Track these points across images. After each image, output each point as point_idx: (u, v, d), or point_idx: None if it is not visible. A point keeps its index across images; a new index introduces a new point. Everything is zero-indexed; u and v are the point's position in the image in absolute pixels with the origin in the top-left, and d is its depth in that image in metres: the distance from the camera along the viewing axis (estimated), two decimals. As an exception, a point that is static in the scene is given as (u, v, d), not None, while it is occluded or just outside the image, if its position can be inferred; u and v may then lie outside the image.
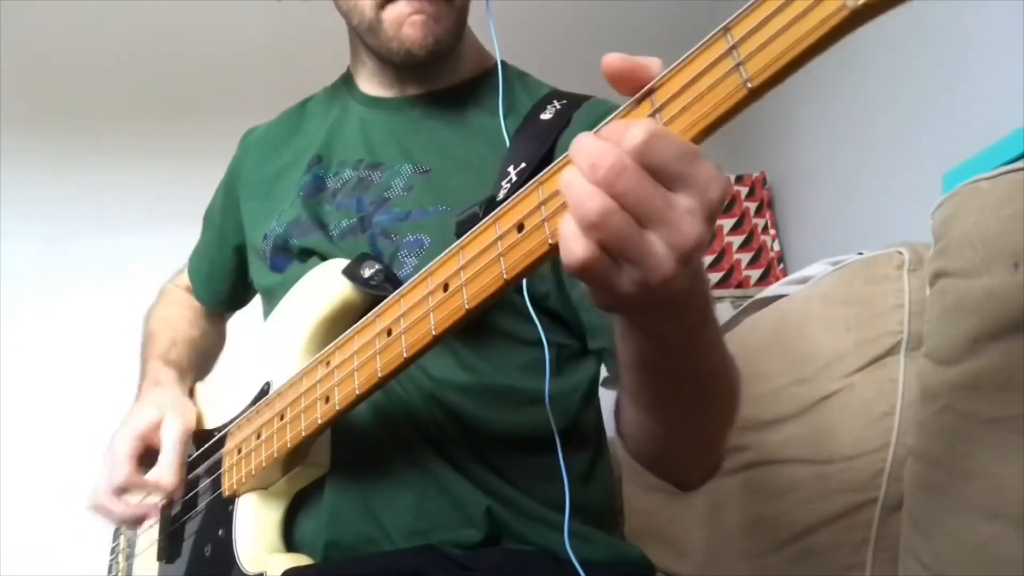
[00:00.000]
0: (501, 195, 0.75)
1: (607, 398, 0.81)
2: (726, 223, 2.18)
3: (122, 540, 0.98)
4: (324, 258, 0.83)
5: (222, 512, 0.80)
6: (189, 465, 0.86)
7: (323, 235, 0.86)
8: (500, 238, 0.52)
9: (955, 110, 1.48)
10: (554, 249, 0.48)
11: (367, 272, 0.75)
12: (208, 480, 0.83)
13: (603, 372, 0.86)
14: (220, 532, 0.79)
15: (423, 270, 0.60)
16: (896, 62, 1.62)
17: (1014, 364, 0.69)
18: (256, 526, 0.76)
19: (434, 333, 0.58)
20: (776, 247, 2.18)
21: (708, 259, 2.13)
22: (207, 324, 1.11)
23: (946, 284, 0.81)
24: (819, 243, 2.00)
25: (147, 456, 0.85)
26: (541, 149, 0.79)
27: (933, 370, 0.81)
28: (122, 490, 0.84)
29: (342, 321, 0.76)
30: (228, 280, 1.07)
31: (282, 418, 0.73)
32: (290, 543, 0.77)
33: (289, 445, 0.72)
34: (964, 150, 1.12)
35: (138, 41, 2.35)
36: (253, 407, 0.79)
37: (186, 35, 2.36)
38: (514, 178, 0.76)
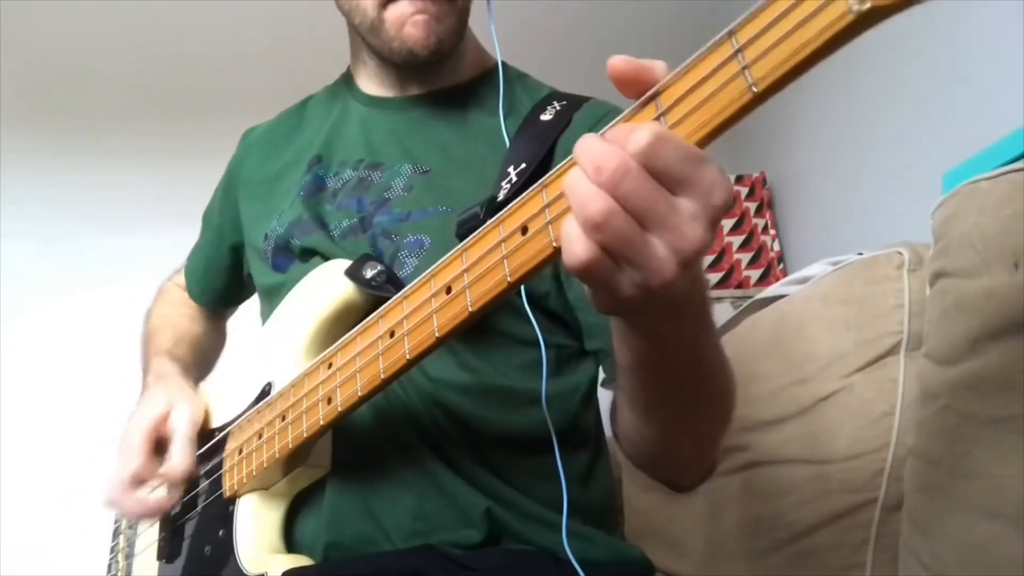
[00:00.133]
0: (501, 195, 0.75)
1: (605, 398, 0.81)
2: (726, 223, 2.18)
3: (121, 539, 0.98)
4: (326, 258, 0.83)
5: (223, 512, 0.80)
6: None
7: (324, 235, 0.86)
8: (504, 241, 0.52)
9: (955, 110, 1.48)
10: (558, 252, 0.48)
11: (369, 273, 0.75)
12: (209, 480, 0.83)
13: (601, 373, 0.86)
14: (220, 532, 0.79)
15: (426, 272, 0.60)
16: (896, 62, 1.62)
17: (1014, 364, 0.69)
18: (257, 526, 0.76)
19: (438, 335, 0.58)
20: (776, 247, 2.18)
21: (708, 259, 2.13)
22: (207, 322, 1.12)
23: (946, 284, 0.81)
24: (819, 243, 2.01)
25: (158, 447, 0.84)
26: (541, 150, 0.79)
27: (933, 370, 0.81)
28: (137, 481, 0.82)
29: (344, 322, 0.76)
30: (222, 278, 1.07)
31: (283, 419, 0.73)
32: (290, 543, 0.77)
33: (290, 446, 0.72)
34: (964, 150, 1.12)
35: (138, 41, 2.35)
36: (254, 408, 0.79)
37: (186, 35, 2.36)
38: (514, 178, 0.76)
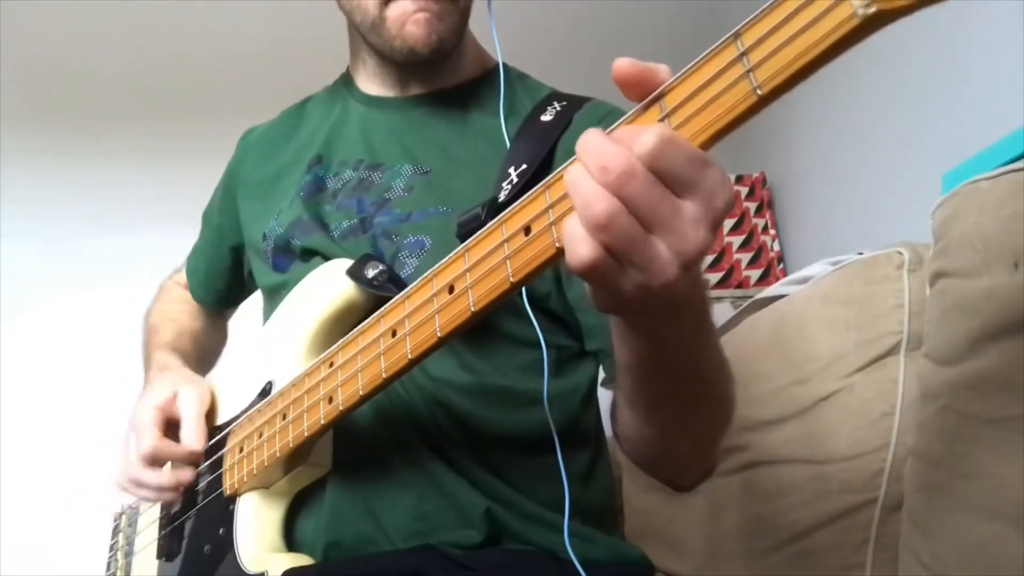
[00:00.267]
0: (502, 196, 0.75)
1: (605, 398, 0.81)
2: (726, 223, 2.18)
3: (120, 538, 0.98)
4: (327, 258, 0.83)
5: (223, 511, 0.80)
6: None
7: (325, 235, 0.86)
8: (507, 241, 0.52)
9: (955, 110, 1.48)
10: (561, 253, 0.48)
11: (371, 273, 0.75)
12: (209, 478, 0.83)
13: (601, 373, 0.86)
14: (221, 531, 0.79)
15: (429, 272, 0.60)
16: (896, 62, 1.62)
17: (1014, 364, 0.69)
18: (257, 525, 0.76)
19: (440, 335, 0.58)
20: (776, 247, 2.18)
21: (708, 259, 2.13)
22: (208, 320, 1.12)
23: (946, 284, 0.81)
24: (819, 243, 2.01)
25: (167, 429, 0.84)
26: (542, 150, 0.79)
27: (933, 370, 0.81)
28: (152, 459, 0.81)
29: (345, 321, 0.76)
30: (224, 279, 1.07)
31: (284, 417, 0.73)
32: (290, 543, 0.77)
33: (291, 445, 0.72)
34: (964, 150, 1.12)
35: (138, 41, 2.35)
36: (255, 406, 0.79)
37: (186, 35, 2.36)
38: (515, 179, 0.76)
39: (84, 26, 2.30)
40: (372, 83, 0.95)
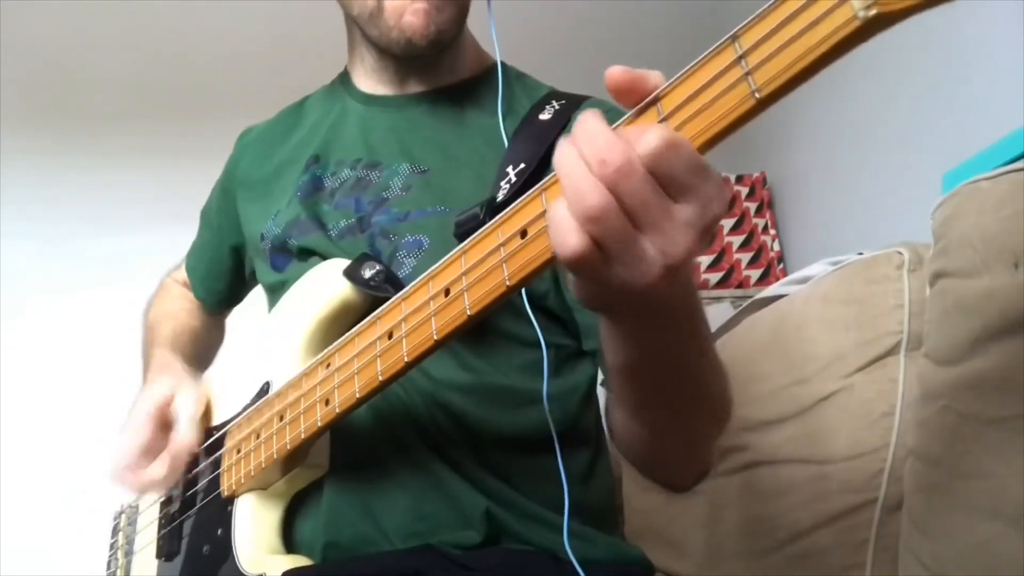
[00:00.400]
0: (500, 196, 0.75)
1: (605, 398, 0.81)
2: (726, 223, 2.18)
3: (120, 537, 0.98)
4: (324, 257, 0.83)
5: (221, 512, 0.79)
6: (190, 462, 0.86)
7: (322, 234, 0.85)
8: (503, 244, 0.52)
9: (955, 110, 1.48)
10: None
11: (368, 273, 0.75)
12: (207, 479, 0.83)
13: (600, 373, 0.86)
14: (219, 532, 0.79)
15: (425, 274, 0.60)
16: (896, 62, 1.62)
17: (1014, 364, 0.69)
18: (255, 527, 0.76)
19: (436, 338, 0.58)
20: (776, 247, 2.18)
21: (708, 259, 2.13)
22: (207, 318, 1.12)
23: (946, 284, 0.81)
24: (819, 243, 2.01)
25: (164, 427, 0.83)
26: (540, 149, 0.79)
27: (933, 370, 0.81)
28: (145, 454, 0.82)
29: (342, 321, 0.76)
30: (225, 279, 1.07)
31: (281, 419, 0.73)
32: (289, 544, 0.77)
33: (288, 447, 0.71)
34: (964, 150, 1.12)
35: (138, 41, 2.35)
36: (252, 406, 0.79)
37: (186, 35, 2.36)
38: (513, 178, 0.76)
39: (84, 26, 2.30)
40: (370, 80, 0.94)
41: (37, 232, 2.22)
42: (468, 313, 0.55)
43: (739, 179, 2.21)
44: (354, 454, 0.76)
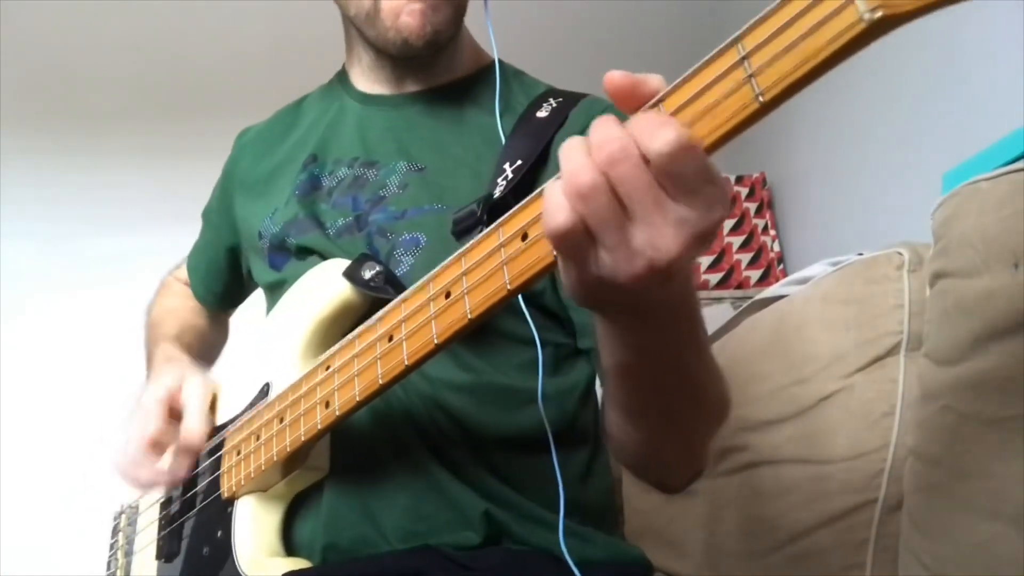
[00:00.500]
0: (497, 192, 0.75)
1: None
2: (726, 223, 2.17)
3: (120, 537, 0.98)
4: (323, 256, 0.83)
5: (221, 513, 0.79)
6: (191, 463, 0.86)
7: (320, 233, 0.85)
8: (503, 246, 0.51)
9: (955, 110, 1.48)
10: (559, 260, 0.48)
11: (368, 274, 0.75)
12: (207, 480, 0.83)
13: (598, 371, 0.86)
14: (219, 533, 0.78)
15: (425, 277, 0.60)
16: (896, 62, 1.62)
17: (1014, 364, 0.69)
18: (255, 529, 0.76)
19: (436, 342, 0.58)
20: (776, 247, 2.18)
21: (708, 259, 2.13)
22: (209, 317, 1.12)
23: (946, 284, 0.81)
24: (819, 243, 2.00)
25: (171, 418, 0.83)
26: (537, 146, 0.79)
27: (933, 370, 0.81)
28: (155, 445, 0.81)
29: (342, 322, 0.76)
30: (223, 279, 1.07)
31: (281, 421, 0.73)
32: (288, 545, 0.77)
33: (288, 449, 0.71)
34: (964, 150, 1.11)
35: (138, 41, 2.35)
36: (252, 408, 0.79)
37: (185, 35, 2.36)
38: (510, 175, 0.76)
39: (84, 27, 2.30)
40: (367, 79, 0.94)
41: (37, 232, 2.22)
42: (469, 316, 0.55)
43: (739, 179, 2.21)
44: (354, 456, 0.76)
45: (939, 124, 1.53)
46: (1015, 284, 0.70)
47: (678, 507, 1.29)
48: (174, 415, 0.83)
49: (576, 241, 0.44)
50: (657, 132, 0.41)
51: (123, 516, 1.00)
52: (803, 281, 1.22)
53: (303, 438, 0.70)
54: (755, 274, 2.14)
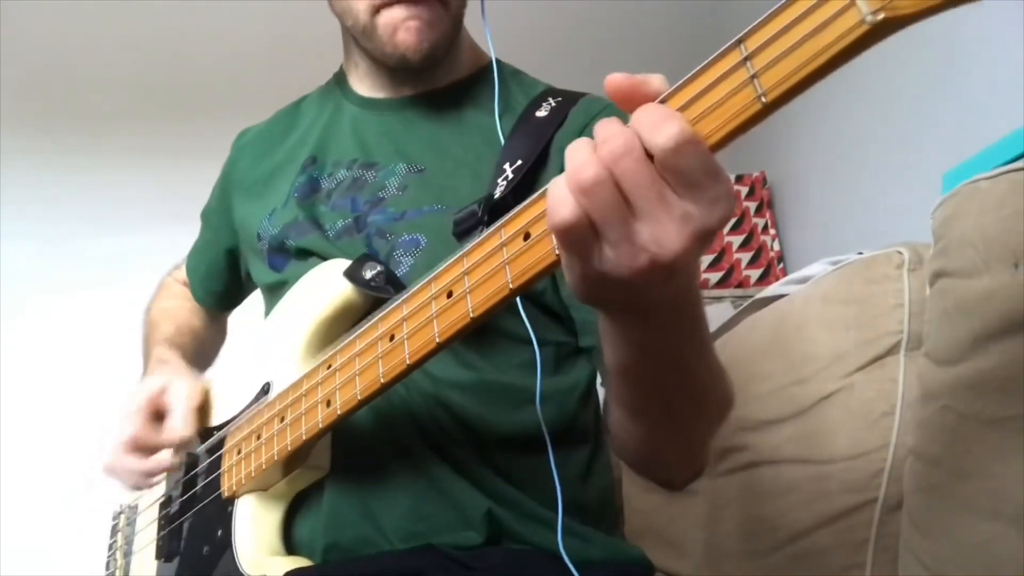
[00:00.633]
0: (498, 193, 0.75)
1: (603, 396, 0.81)
2: (726, 223, 2.17)
3: (119, 537, 0.98)
4: (323, 258, 0.83)
5: (221, 512, 0.79)
6: (189, 463, 0.86)
7: (320, 235, 0.85)
8: (505, 245, 0.52)
9: (955, 110, 1.48)
10: (561, 260, 0.48)
11: (368, 274, 0.75)
12: (207, 479, 0.83)
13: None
14: (219, 533, 0.78)
15: (427, 276, 0.60)
16: (896, 62, 1.62)
17: (1014, 364, 0.69)
18: (256, 528, 0.76)
19: (438, 341, 0.58)
20: (776, 247, 2.18)
21: (708, 259, 2.13)
22: (207, 317, 1.12)
23: (946, 284, 0.81)
24: (819, 243, 2.00)
25: (157, 418, 0.84)
26: (537, 146, 0.79)
27: (933, 370, 0.81)
28: (135, 445, 0.82)
29: (343, 322, 0.76)
30: (222, 280, 1.07)
31: (282, 420, 0.73)
32: (289, 544, 0.77)
33: (289, 448, 0.71)
34: (964, 150, 1.11)
35: (138, 41, 2.35)
36: (253, 407, 0.79)
37: (185, 35, 2.36)
38: (510, 175, 0.76)
39: (84, 27, 2.30)
40: (365, 84, 0.95)
41: (37, 232, 2.22)
42: (472, 315, 0.55)
43: (739, 179, 2.21)
44: (355, 455, 0.76)
45: (939, 124, 1.52)
46: (1015, 284, 0.70)
47: (678, 507, 1.29)
48: (159, 417, 0.83)
49: (580, 236, 0.44)
50: (661, 126, 0.41)
51: (122, 516, 1.00)
52: (803, 280, 1.22)
53: (304, 437, 0.70)
54: (755, 273, 2.14)
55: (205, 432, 0.86)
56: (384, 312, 0.64)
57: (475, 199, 0.73)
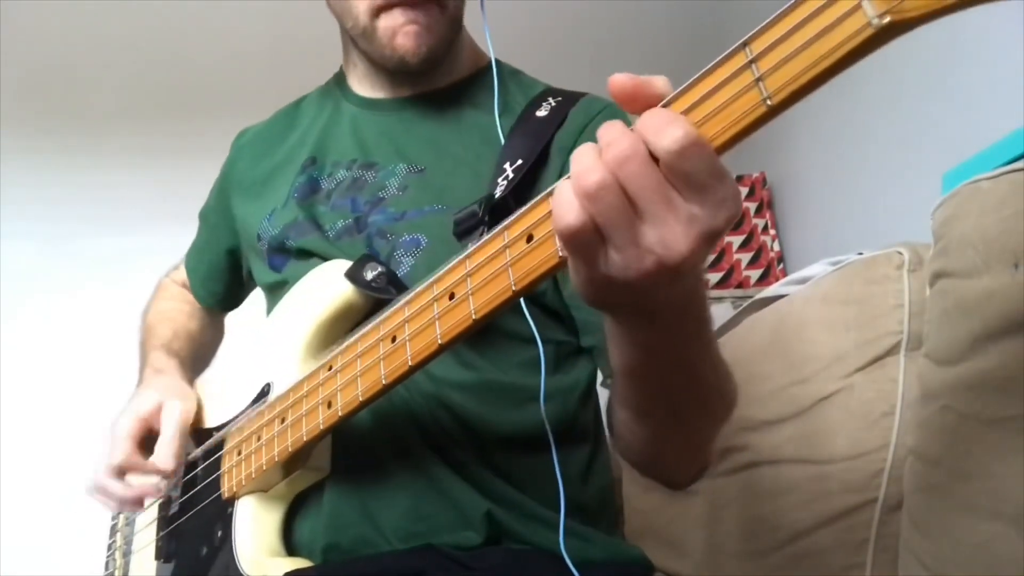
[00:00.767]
0: (498, 192, 0.75)
1: (605, 395, 0.81)
2: (726, 223, 2.17)
3: (119, 537, 0.98)
4: (323, 258, 0.83)
5: (221, 513, 0.79)
6: (188, 464, 0.86)
7: (320, 235, 0.85)
8: (508, 247, 0.52)
9: (955, 110, 1.48)
10: (564, 262, 0.48)
11: (370, 275, 0.75)
12: (207, 480, 0.83)
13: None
14: (219, 533, 0.78)
15: (429, 278, 0.60)
16: (896, 62, 1.62)
17: (1014, 364, 0.69)
18: (256, 528, 0.76)
19: (440, 342, 0.58)
20: (776, 247, 2.18)
21: (708, 259, 2.13)
22: (205, 318, 1.12)
23: (946, 284, 0.81)
24: (819, 243, 2.00)
25: (148, 440, 0.84)
26: (537, 146, 0.79)
27: (933, 370, 0.81)
28: (121, 471, 0.82)
29: (343, 323, 0.76)
30: (222, 280, 1.07)
31: (283, 421, 0.73)
32: (289, 545, 0.77)
33: (290, 449, 0.71)
34: (964, 150, 1.11)
35: (138, 41, 2.35)
36: (253, 408, 0.79)
37: (185, 35, 2.36)
38: (510, 175, 0.76)
39: (84, 27, 2.30)
40: (364, 84, 0.95)
41: (37, 232, 2.22)
42: (474, 317, 0.55)
43: (739, 179, 2.21)
44: (355, 456, 0.76)
45: (939, 124, 1.53)
46: (1015, 284, 0.70)
47: (678, 507, 1.29)
48: (150, 439, 0.83)
49: (586, 240, 0.44)
50: (666, 129, 0.41)
51: (121, 516, 1.00)
52: (803, 281, 1.22)
53: (305, 438, 0.70)
54: (755, 274, 2.15)
55: (205, 433, 0.86)
56: (386, 314, 0.64)
57: (475, 199, 0.73)
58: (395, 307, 0.63)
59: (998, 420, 0.70)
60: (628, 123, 0.44)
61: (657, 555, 1.02)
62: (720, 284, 2.13)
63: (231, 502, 0.79)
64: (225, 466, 0.80)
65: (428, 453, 0.76)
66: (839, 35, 0.37)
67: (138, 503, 0.84)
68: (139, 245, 2.15)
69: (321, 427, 0.68)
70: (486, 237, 0.54)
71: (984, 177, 0.78)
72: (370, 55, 0.88)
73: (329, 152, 0.92)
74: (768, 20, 0.40)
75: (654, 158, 0.42)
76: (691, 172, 0.41)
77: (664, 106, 0.44)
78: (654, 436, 0.66)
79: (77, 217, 2.24)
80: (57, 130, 2.30)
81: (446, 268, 0.58)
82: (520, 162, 0.77)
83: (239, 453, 0.78)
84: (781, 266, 2.16)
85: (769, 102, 0.40)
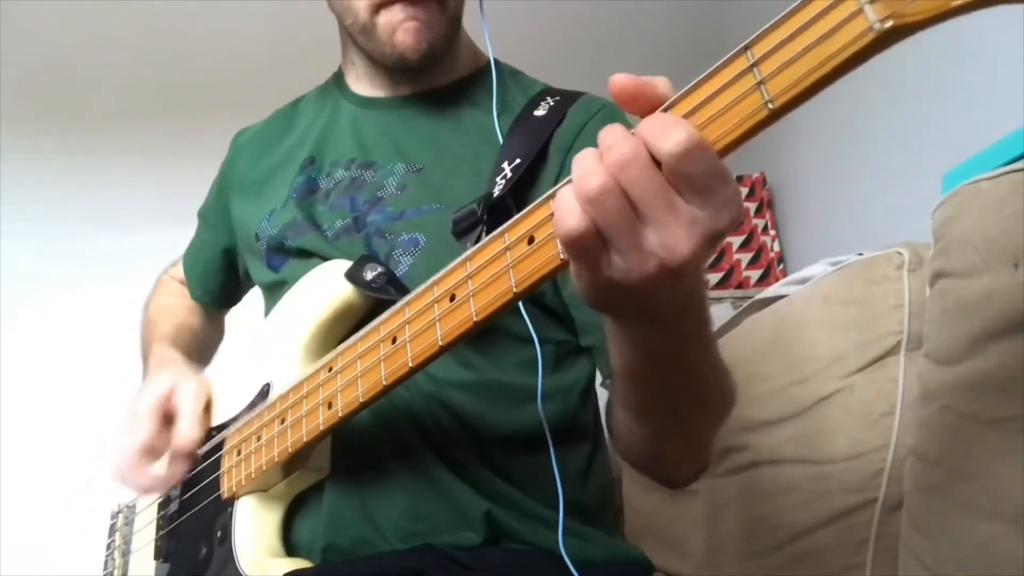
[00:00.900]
0: (496, 191, 0.75)
1: (604, 395, 0.81)
2: (726, 223, 2.17)
3: (117, 537, 0.98)
4: (322, 258, 0.83)
5: (221, 514, 0.79)
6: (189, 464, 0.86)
7: (318, 235, 0.85)
8: (509, 249, 0.52)
9: (955, 110, 1.48)
10: (566, 264, 0.48)
11: (369, 275, 0.75)
12: (207, 480, 0.83)
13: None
14: (219, 534, 0.78)
15: (429, 280, 0.60)
16: (896, 62, 1.62)
17: (1014, 364, 0.69)
18: (255, 529, 0.76)
19: (441, 344, 0.58)
20: (776, 247, 2.18)
21: (708, 260, 2.13)
22: (205, 315, 1.12)
23: (946, 284, 0.81)
24: (819, 243, 2.00)
25: (165, 422, 0.83)
26: (536, 145, 0.79)
27: (933, 370, 0.81)
28: (148, 451, 0.81)
29: (343, 323, 0.76)
30: (218, 279, 1.07)
31: (283, 422, 0.73)
32: (288, 545, 0.77)
33: (290, 450, 0.71)
34: (964, 150, 1.11)
35: (138, 41, 2.35)
36: (253, 408, 0.79)
37: (185, 35, 2.36)
38: (509, 174, 0.76)
39: (84, 27, 2.30)
40: (362, 83, 0.95)
41: (37, 232, 2.22)
42: (475, 319, 0.55)
43: (739, 179, 2.21)
44: (355, 456, 0.76)
45: (939, 124, 1.53)
46: (1015, 284, 0.70)
47: (678, 507, 1.29)
48: (167, 419, 0.83)
49: (588, 244, 0.44)
50: (668, 132, 0.41)
51: (120, 516, 1.00)
52: (803, 281, 1.22)
53: (305, 439, 0.70)
54: (755, 274, 2.15)
55: (205, 433, 0.86)
56: (386, 315, 0.64)
57: (474, 198, 0.73)
58: (395, 309, 0.63)
59: (998, 420, 0.70)
60: (627, 122, 0.44)
61: (657, 555, 1.02)
62: (720, 284, 2.13)
63: (231, 502, 0.79)
64: (225, 466, 0.80)
65: (428, 453, 0.76)
66: (841, 39, 0.38)
67: (167, 484, 0.83)
68: (139, 245, 2.15)
69: (321, 428, 0.68)
70: (487, 239, 0.54)
71: (984, 177, 0.78)
72: (370, 52, 0.88)
73: (328, 152, 0.92)
74: (770, 24, 0.40)
75: (655, 162, 0.42)
76: (694, 175, 0.41)
77: (665, 110, 0.44)
78: (654, 436, 0.66)
79: (77, 217, 2.25)
80: (57, 130, 2.30)
81: (447, 270, 0.58)
82: (519, 161, 0.77)
83: (239, 453, 0.78)
84: (781, 266, 2.16)
85: (771, 106, 0.40)
